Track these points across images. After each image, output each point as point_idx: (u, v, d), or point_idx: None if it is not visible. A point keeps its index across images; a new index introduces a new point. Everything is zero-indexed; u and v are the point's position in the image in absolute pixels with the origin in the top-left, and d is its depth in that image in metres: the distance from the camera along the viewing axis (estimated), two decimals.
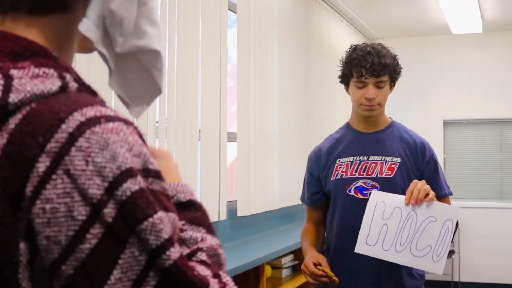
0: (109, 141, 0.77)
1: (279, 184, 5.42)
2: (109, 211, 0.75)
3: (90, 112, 0.79)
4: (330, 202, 2.76)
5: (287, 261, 4.73)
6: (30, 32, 0.87)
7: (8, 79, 0.80)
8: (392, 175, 2.65)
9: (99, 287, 0.74)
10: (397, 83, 2.81)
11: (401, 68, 2.74)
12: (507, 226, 8.00)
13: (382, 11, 7.25)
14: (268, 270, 4.43)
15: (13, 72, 0.81)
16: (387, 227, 2.49)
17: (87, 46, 0.96)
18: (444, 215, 2.47)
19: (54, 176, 0.75)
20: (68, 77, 0.84)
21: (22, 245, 0.76)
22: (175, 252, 0.76)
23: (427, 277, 2.89)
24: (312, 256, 2.61)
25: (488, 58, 8.25)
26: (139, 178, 0.77)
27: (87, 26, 0.89)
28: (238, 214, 4.67)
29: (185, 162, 3.90)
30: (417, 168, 2.69)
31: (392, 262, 2.50)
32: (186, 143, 3.93)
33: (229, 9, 4.70)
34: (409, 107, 8.35)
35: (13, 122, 0.78)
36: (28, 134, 0.77)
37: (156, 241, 0.75)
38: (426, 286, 2.78)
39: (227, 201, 4.53)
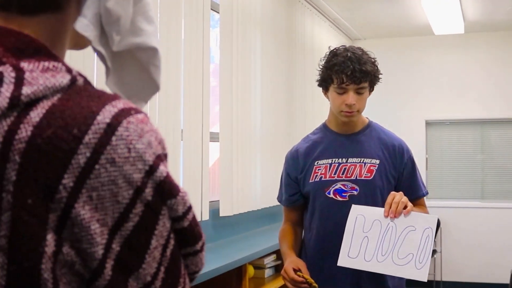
0: (143, 130, 0.82)
1: (262, 184, 5.43)
2: (149, 191, 0.82)
3: (120, 104, 0.83)
4: (309, 204, 2.76)
5: (269, 261, 4.74)
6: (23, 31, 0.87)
7: (20, 72, 0.81)
8: (371, 177, 2.66)
9: (142, 256, 0.83)
10: (380, 84, 2.83)
11: (381, 73, 2.73)
12: (488, 225, 8.07)
13: (365, 12, 7.29)
14: (250, 270, 4.44)
15: (24, 65, 0.82)
16: (367, 239, 2.51)
17: (79, 44, 0.96)
18: (423, 224, 2.50)
19: (97, 166, 0.79)
20: (74, 71, 0.86)
21: (49, 236, 0.79)
22: (191, 214, 0.88)
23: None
24: (291, 262, 2.61)
25: (469, 59, 8.31)
26: (165, 162, 0.85)
27: (84, 25, 0.90)
28: (221, 214, 4.67)
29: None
30: (396, 169, 2.71)
31: (376, 272, 2.52)
32: (169, 143, 3.93)
33: (211, 9, 4.71)
34: (392, 108, 8.39)
35: (36, 116, 0.80)
36: (60, 128, 0.79)
37: (183, 209, 0.86)
38: (407, 286, 2.80)
39: (210, 201, 4.54)
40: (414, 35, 8.41)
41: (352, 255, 2.51)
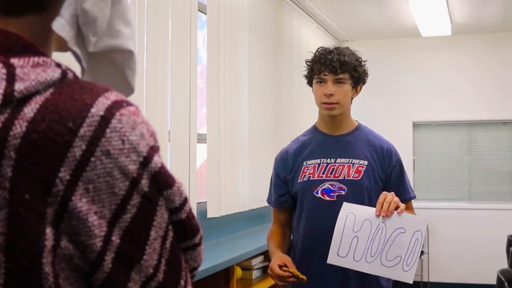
0: (135, 121, 0.84)
1: (249, 186, 5.44)
2: (145, 182, 0.83)
3: (112, 96, 0.84)
4: (297, 204, 2.77)
5: (257, 262, 4.75)
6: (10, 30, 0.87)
7: (10, 68, 0.82)
8: (359, 178, 2.68)
9: (142, 248, 0.84)
10: (366, 84, 2.85)
11: (365, 69, 2.77)
12: (475, 226, 8.11)
13: (352, 14, 7.31)
14: (238, 272, 4.45)
15: (14, 61, 0.82)
16: (357, 239, 2.52)
17: (64, 45, 0.97)
18: (413, 226, 2.51)
19: (92, 159, 0.80)
20: (63, 65, 0.87)
21: (48, 230, 0.79)
22: (188, 206, 0.89)
23: None
24: (277, 258, 2.62)
25: (457, 61, 8.35)
26: (158, 153, 0.87)
27: (61, 26, 0.90)
28: (208, 216, 4.68)
29: None
30: (383, 171, 2.73)
31: (363, 271, 2.54)
32: None
33: (199, 10, 4.71)
34: (379, 109, 8.42)
35: (30, 111, 0.80)
36: (54, 121, 0.80)
37: (180, 200, 0.87)
38: (395, 286, 2.81)
39: (197, 203, 4.54)
40: (402, 37, 8.44)
41: (342, 254, 2.53)
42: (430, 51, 8.42)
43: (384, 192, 2.56)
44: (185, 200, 0.89)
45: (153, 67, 3.93)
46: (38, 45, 0.89)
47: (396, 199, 2.52)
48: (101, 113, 0.82)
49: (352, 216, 2.54)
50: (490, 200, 8.25)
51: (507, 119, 8.20)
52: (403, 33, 8.24)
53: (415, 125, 8.48)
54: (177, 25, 4.26)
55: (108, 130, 0.81)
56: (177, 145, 4.21)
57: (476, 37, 8.25)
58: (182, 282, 0.90)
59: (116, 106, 0.83)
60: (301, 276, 2.53)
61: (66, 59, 0.98)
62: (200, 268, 3.54)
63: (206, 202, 4.72)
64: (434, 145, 8.48)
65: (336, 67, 2.66)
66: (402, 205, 2.52)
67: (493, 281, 5.34)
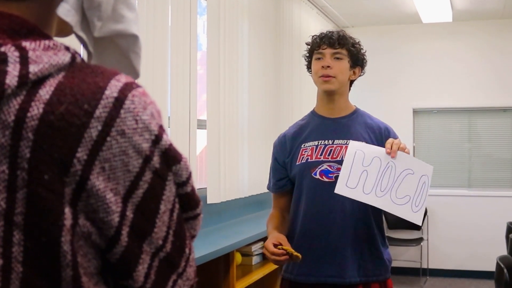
0: (146, 102, 0.87)
1: (249, 172, 5.45)
2: (156, 159, 0.87)
3: (123, 79, 0.87)
4: (295, 187, 2.78)
5: (257, 248, 4.77)
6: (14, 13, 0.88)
7: (23, 50, 0.83)
8: None
9: (153, 221, 0.88)
10: (366, 71, 2.86)
11: (363, 50, 2.83)
12: (475, 213, 8.13)
13: (353, 0, 7.29)
14: (238, 257, 4.47)
15: (26, 44, 0.84)
16: (367, 173, 2.54)
17: (64, 30, 0.98)
18: (420, 170, 2.56)
19: (108, 138, 0.83)
20: (71, 49, 0.89)
21: (67, 210, 0.82)
22: (192, 179, 0.94)
23: (395, 264, 2.95)
24: (272, 237, 2.61)
25: (457, 47, 8.34)
26: (166, 131, 0.90)
27: (66, 10, 0.91)
28: (208, 202, 4.69)
29: None
30: None
31: (374, 205, 2.55)
32: None
33: None
34: (379, 96, 8.41)
35: (45, 93, 0.82)
36: (70, 104, 0.82)
37: (186, 174, 0.92)
38: (393, 272, 2.83)
39: (197, 189, 4.54)
40: (402, 23, 8.43)
41: (351, 185, 2.54)
42: (431, 37, 8.41)
43: (391, 138, 2.63)
44: (190, 174, 0.93)
45: (153, 54, 3.93)
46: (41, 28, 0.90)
47: (403, 144, 2.60)
48: (115, 94, 0.85)
49: (360, 153, 2.57)
50: (489, 187, 8.27)
51: (507, 106, 8.20)
52: (404, 19, 8.22)
53: (415, 112, 8.48)
54: (177, 11, 4.26)
55: (122, 111, 0.84)
56: (177, 131, 4.22)
57: (477, 24, 8.23)
58: (187, 250, 0.94)
59: (128, 88, 0.86)
60: (295, 253, 2.52)
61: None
62: (200, 254, 3.55)
63: (206, 188, 4.73)
64: (434, 132, 8.49)
65: (335, 40, 2.73)
66: (408, 149, 2.60)
67: (492, 267, 5.36)
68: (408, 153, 2.58)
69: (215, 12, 4.86)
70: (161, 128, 0.88)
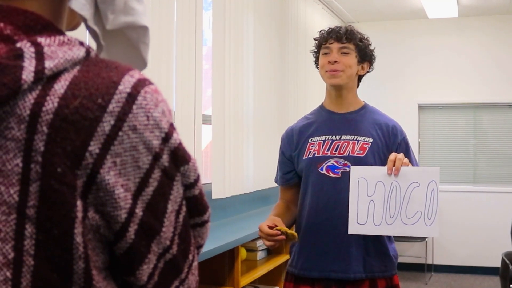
0: (158, 99, 0.89)
1: (254, 167, 5.46)
2: (165, 157, 0.88)
3: (136, 75, 0.88)
4: (302, 181, 2.79)
5: (261, 243, 4.77)
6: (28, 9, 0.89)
7: (38, 46, 0.84)
8: (364, 154, 2.70)
9: (161, 221, 0.88)
10: (372, 66, 2.86)
11: (371, 45, 2.83)
12: (480, 209, 8.13)
13: None
14: (243, 253, 4.48)
15: (41, 40, 0.85)
16: (373, 203, 2.53)
17: (72, 23, 0.99)
18: (426, 178, 2.52)
19: (120, 133, 0.84)
20: (85, 43, 0.90)
21: (79, 202, 0.83)
22: (200, 183, 0.94)
23: (401, 260, 2.95)
24: (267, 220, 2.60)
25: (463, 43, 8.33)
26: (176, 130, 0.91)
27: (81, 4, 0.92)
28: (213, 197, 4.70)
29: None
30: (388, 149, 2.73)
31: (387, 235, 2.55)
32: None
33: None
34: (384, 91, 8.41)
35: (60, 88, 0.83)
36: (84, 98, 0.83)
37: (194, 176, 0.92)
38: (399, 268, 2.83)
39: (202, 184, 4.55)
40: (408, 19, 8.42)
41: (361, 221, 2.53)
42: (437, 33, 8.39)
43: (394, 153, 2.58)
44: (198, 177, 0.93)
45: (158, 49, 3.94)
46: (55, 23, 0.91)
47: (406, 159, 2.54)
48: (128, 90, 0.85)
49: (363, 181, 2.55)
50: (495, 183, 8.26)
51: None
52: (409, 15, 8.21)
53: (421, 108, 8.48)
54: (182, 6, 4.26)
55: (134, 107, 0.85)
56: (182, 126, 4.23)
57: (483, 19, 8.21)
58: (190, 257, 0.95)
59: (140, 84, 0.87)
60: (290, 231, 2.51)
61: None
62: (205, 249, 3.55)
63: (211, 183, 4.74)
64: (439, 128, 8.48)
65: (342, 35, 2.73)
66: (407, 160, 2.55)
67: (497, 263, 5.37)
68: (407, 163, 2.53)
69: (221, 7, 4.87)
70: (171, 127, 0.89)
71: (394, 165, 2.51)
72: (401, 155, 2.54)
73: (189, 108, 4.32)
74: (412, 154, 2.80)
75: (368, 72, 2.85)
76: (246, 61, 5.31)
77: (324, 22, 7.43)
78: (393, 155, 2.54)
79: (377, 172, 2.55)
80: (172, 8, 4.13)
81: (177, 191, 0.90)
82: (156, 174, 0.87)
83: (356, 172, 2.57)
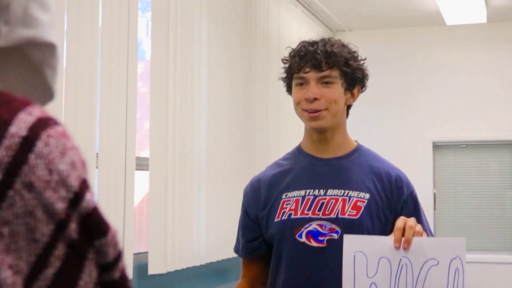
0: (65, 146, 0.87)
1: (207, 230, 5.44)
2: (73, 226, 0.85)
3: (36, 111, 0.87)
4: (274, 251, 2.77)
5: None
6: None
7: None
8: (358, 216, 2.69)
9: None
10: (369, 91, 2.89)
11: (362, 67, 2.79)
12: None
13: None
14: None
15: None
16: (376, 286, 2.51)
17: None
18: (447, 253, 2.47)
19: (10, 193, 0.82)
20: None
21: None
22: (123, 262, 0.92)
23: None
24: None
25: (493, 57, 8.43)
26: (91, 190, 0.89)
27: None
28: (150, 272, 4.68)
29: None
30: (391, 208, 2.74)
31: None
32: None
33: None
34: (386, 125, 8.45)
35: None
36: None
37: (114, 254, 0.90)
38: None
39: (134, 254, 4.54)
40: (418, 26, 8.50)
41: None
42: (457, 44, 8.49)
43: (403, 217, 2.52)
44: (120, 254, 0.91)
45: (76, 65, 3.93)
46: None
47: (419, 227, 2.49)
48: (23, 133, 0.84)
49: (361, 256, 2.51)
50: None
51: None
52: (420, 21, 8.30)
53: (436, 147, 8.53)
54: (111, 7, 4.28)
55: (32, 156, 0.84)
56: (107, 173, 4.22)
57: None
58: None
59: (41, 125, 0.86)
60: None
61: None
62: None
63: (147, 252, 4.72)
64: (463, 174, 8.53)
65: (321, 61, 2.66)
66: (425, 233, 2.50)
67: None
68: (421, 234, 2.48)
69: (163, 7, 4.90)
70: (83, 184, 0.87)
71: (403, 235, 2.49)
72: (412, 221, 2.49)
73: (117, 149, 4.31)
74: (423, 217, 2.80)
75: (361, 92, 2.85)
76: (197, 82, 5.32)
77: (305, 30, 7.49)
78: (401, 221, 2.49)
79: (381, 244, 2.52)
80: (96, 9, 4.14)
81: (88, 275, 0.87)
82: (60, 250, 0.85)
83: (351, 244, 2.53)
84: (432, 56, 8.56)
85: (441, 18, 8.03)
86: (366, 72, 2.80)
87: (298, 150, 2.88)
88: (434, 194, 8.46)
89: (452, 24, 8.26)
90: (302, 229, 2.71)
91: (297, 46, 2.78)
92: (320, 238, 2.69)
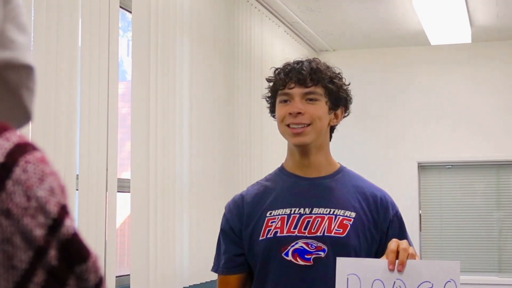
0: (44, 172, 0.87)
1: (190, 252, 5.43)
2: (53, 253, 0.85)
3: (13, 137, 0.87)
4: (258, 270, 2.76)
5: None
6: None
7: None
8: (344, 234, 2.69)
9: None
10: (352, 110, 2.89)
11: (347, 88, 2.83)
12: None
13: (335, 14, 7.37)
14: None
15: None
16: None
17: None
18: (441, 276, 2.48)
19: None
20: None
21: None
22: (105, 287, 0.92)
23: None
24: None
25: (479, 78, 8.47)
26: (71, 216, 0.88)
27: None
28: None
29: None
30: (377, 227, 2.75)
31: None
32: None
33: (121, 7, 4.73)
34: (370, 145, 8.46)
35: None
36: None
37: (95, 279, 0.89)
38: None
39: (117, 276, 4.51)
40: (402, 46, 8.54)
41: None
42: (442, 65, 8.52)
43: (395, 239, 2.54)
44: (101, 280, 0.91)
45: (55, 85, 3.92)
46: None
47: (412, 249, 2.51)
48: (0, 159, 0.84)
49: (354, 279, 2.51)
50: None
51: None
52: (405, 41, 8.34)
53: (422, 168, 8.55)
54: (90, 26, 4.27)
55: (9, 182, 0.84)
56: (88, 195, 4.20)
57: (505, 45, 8.38)
58: None
59: (19, 150, 0.86)
60: None
61: None
62: None
63: (129, 275, 4.70)
64: (448, 195, 8.55)
65: (306, 77, 2.70)
66: (417, 255, 2.52)
67: None
68: (414, 256, 2.50)
69: (144, 27, 4.90)
70: (62, 210, 0.87)
71: (397, 258, 2.49)
72: (405, 243, 2.50)
73: (99, 170, 4.29)
74: (407, 236, 2.81)
75: (344, 117, 2.87)
76: (179, 103, 5.32)
77: (288, 50, 7.51)
78: (394, 244, 2.51)
79: (374, 266, 2.52)
80: (75, 28, 4.13)
81: None
82: (40, 277, 0.84)
83: (344, 267, 2.53)
84: (416, 76, 8.60)
85: (425, 38, 8.07)
86: (350, 95, 2.82)
87: (281, 170, 2.88)
88: (420, 215, 8.47)
89: (436, 44, 8.31)
90: (289, 247, 2.70)
91: (282, 65, 2.81)
92: (306, 256, 2.69)
